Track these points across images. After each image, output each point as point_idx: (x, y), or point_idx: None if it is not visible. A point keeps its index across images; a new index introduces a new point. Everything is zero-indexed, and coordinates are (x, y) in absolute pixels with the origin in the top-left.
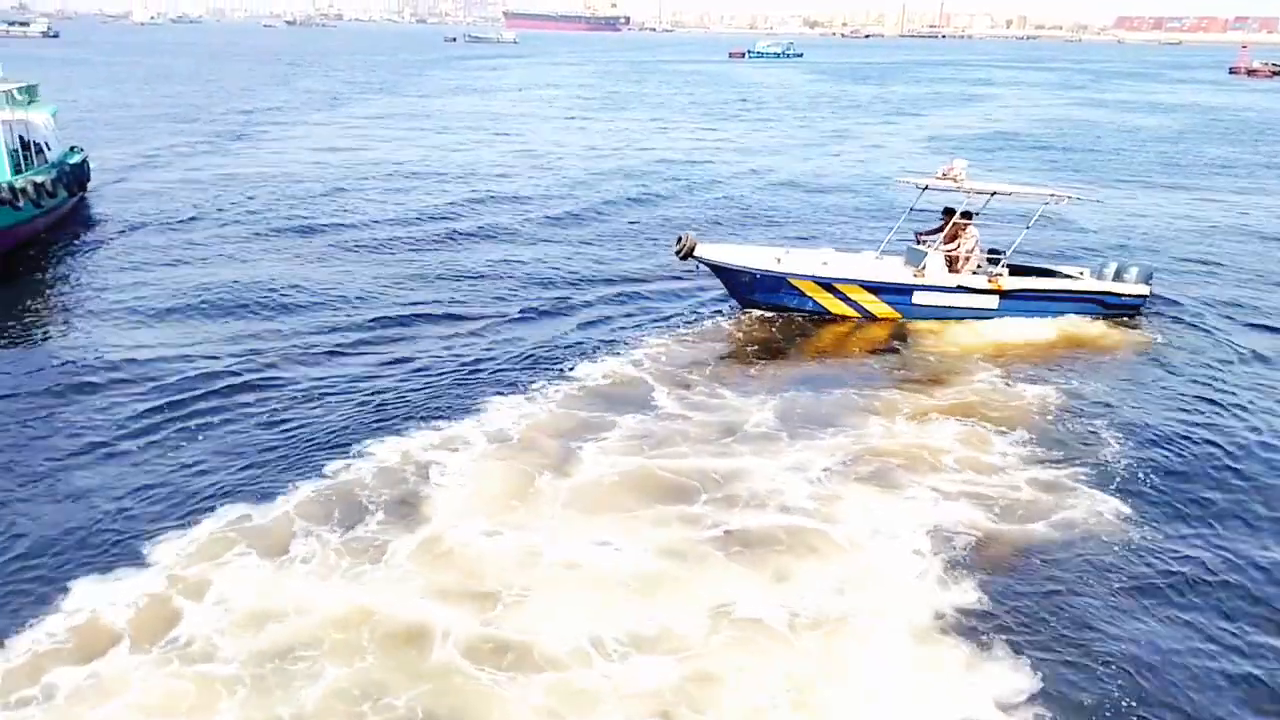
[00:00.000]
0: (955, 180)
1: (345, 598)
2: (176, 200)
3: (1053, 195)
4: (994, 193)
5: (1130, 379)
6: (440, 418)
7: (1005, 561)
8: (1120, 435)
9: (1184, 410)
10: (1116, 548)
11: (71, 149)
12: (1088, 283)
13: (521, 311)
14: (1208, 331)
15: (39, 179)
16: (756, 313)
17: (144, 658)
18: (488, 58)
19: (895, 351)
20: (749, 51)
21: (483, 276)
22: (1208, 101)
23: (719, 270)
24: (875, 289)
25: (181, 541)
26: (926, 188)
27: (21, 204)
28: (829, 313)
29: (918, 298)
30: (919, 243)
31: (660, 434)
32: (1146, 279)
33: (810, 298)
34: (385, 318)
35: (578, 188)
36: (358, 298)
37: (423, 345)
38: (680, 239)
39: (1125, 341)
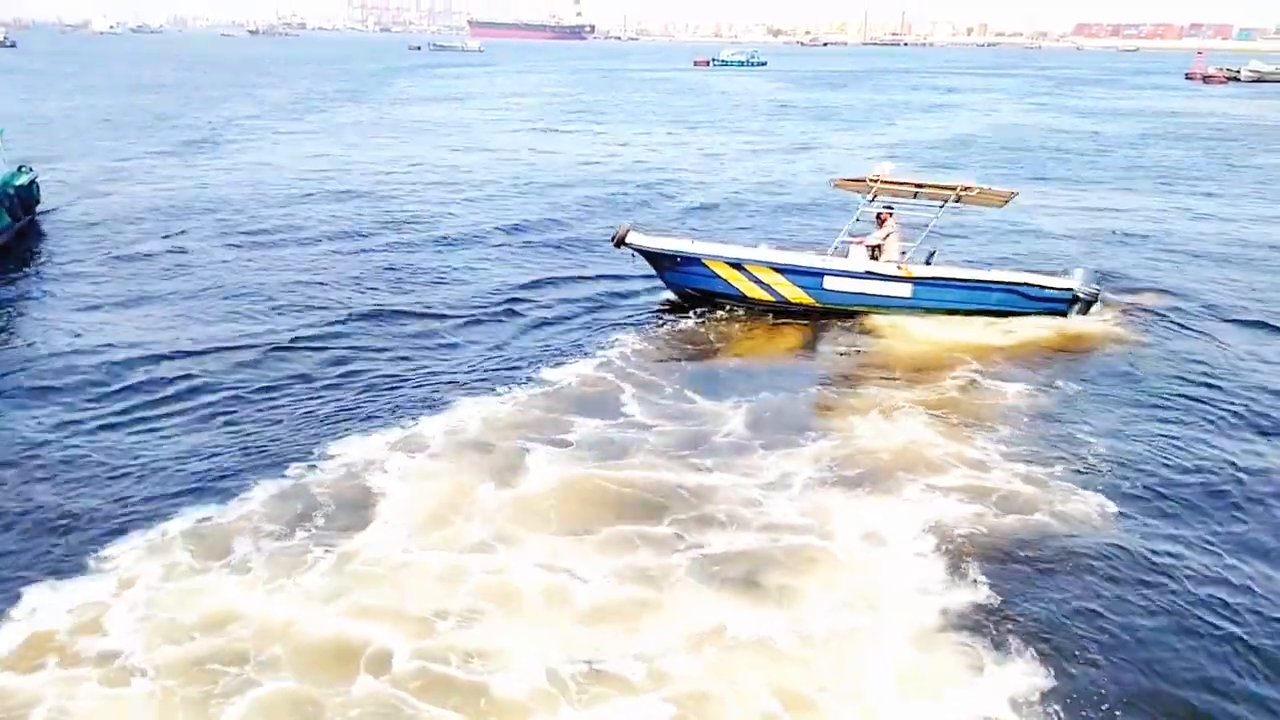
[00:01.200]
0: (878, 181)
1: (282, 611)
2: (133, 214)
3: (965, 188)
4: (917, 186)
5: (1093, 376)
6: (400, 420)
7: (1006, 561)
8: (1091, 431)
9: (1149, 405)
10: (1111, 543)
11: (19, 169)
12: (1005, 274)
13: (484, 315)
14: (1169, 329)
15: None
16: (721, 314)
17: (66, 671)
18: (453, 66)
19: (856, 350)
20: (713, 60)
21: (445, 281)
22: (1167, 106)
23: (647, 256)
24: (784, 270)
25: (124, 547)
26: (874, 194)
27: None
28: (746, 297)
29: (829, 282)
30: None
31: (621, 441)
32: (1091, 280)
33: (724, 279)
34: (347, 320)
35: (544, 192)
36: (319, 304)
37: (384, 348)
38: (616, 228)
39: (1087, 340)
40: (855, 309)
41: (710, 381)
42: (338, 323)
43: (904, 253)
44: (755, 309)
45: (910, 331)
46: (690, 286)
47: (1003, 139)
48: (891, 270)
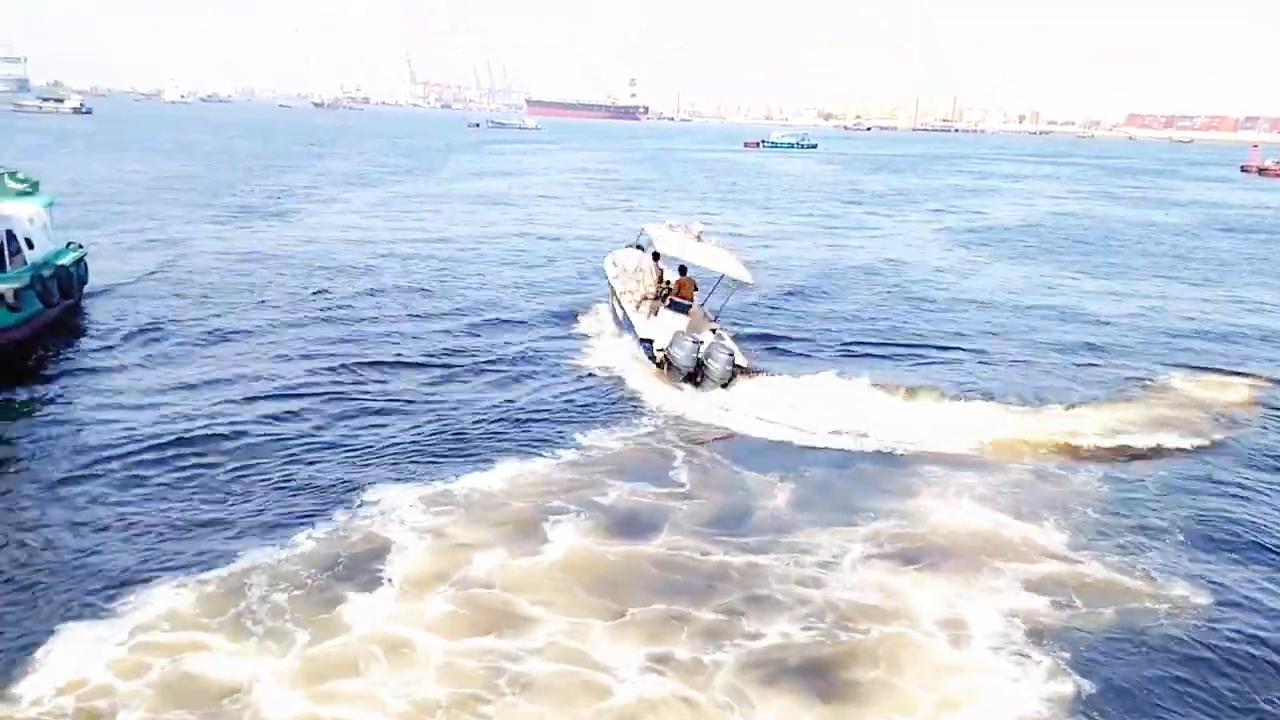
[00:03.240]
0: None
1: (271, 690)
2: (184, 288)
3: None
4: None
5: (1164, 461)
6: (432, 475)
7: (1100, 654)
8: (1167, 515)
9: (1225, 491)
10: (1204, 628)
11: (68, 245)
12: None
13: (522, 374)
14: (1249, 420)
15: (15, 285)
16: (755, 383)
17: None
18: (511, 143)
19: (908, 422)
20: (764, 141)
21: (487, 341)
22: (1223, 198)
23: None
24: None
25: (134, 604)
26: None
27: None
28: None
29: None
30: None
31: (658, 510)
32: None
33: None
34: (387, 375)
35: (589, 261)
36: (361, 360)
37: (423, 403)
38: None
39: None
40: None
41: (752, 450)
42: (379, 379)
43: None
44: None
45: (964, 410)
46: None
47: (1057, 226)
48: None
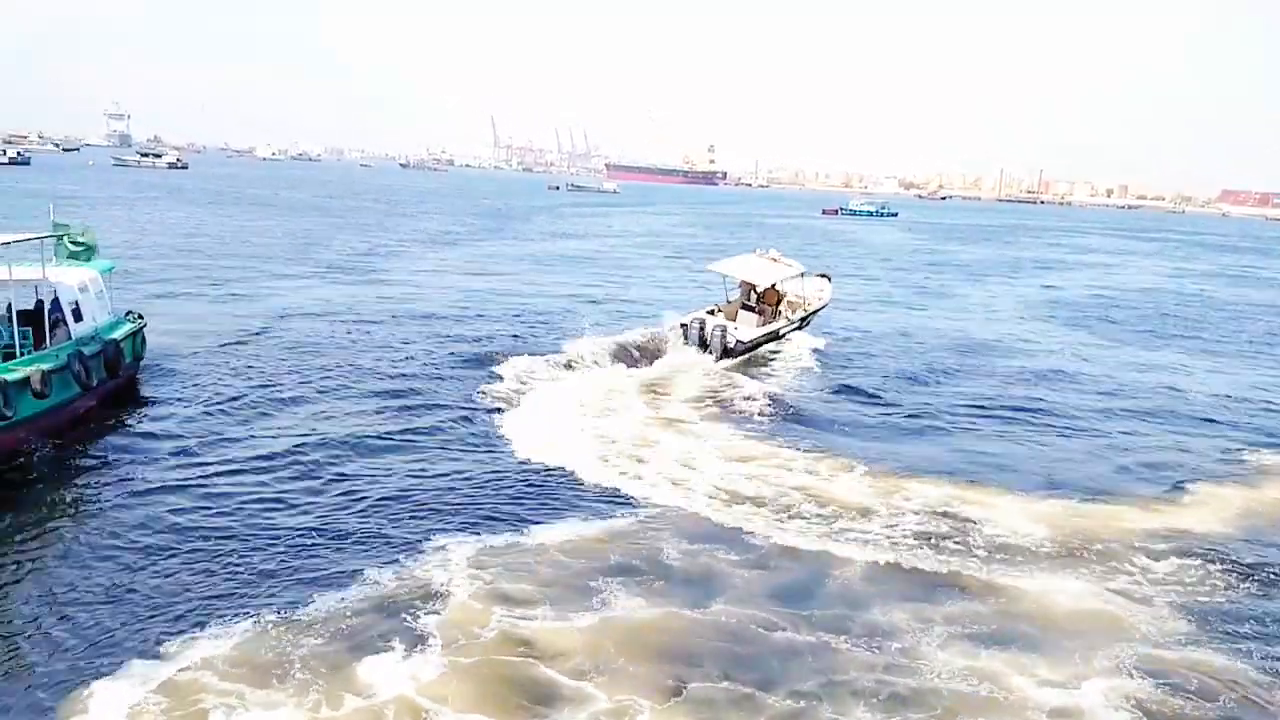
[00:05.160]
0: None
1: None
2: (248, 357)
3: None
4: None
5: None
6: (483, 532)
7: None
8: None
9: None
10: None
11: (126, 315)
12: None
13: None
14: None
15: (43, 367)
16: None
17: None
18: (590, 205)
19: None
20: (841, 209)
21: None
22: None
23: None
24: None
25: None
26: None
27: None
28: None
29: None
30: None
31: (720, 580)
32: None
33: None
34: (447, 433)
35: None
36: (413, 414)
37: (475, 462)
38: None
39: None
40: None
41: (819, 516)
42: (428, 430)
43: None
44: None
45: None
46: None
47: (1144, 302)
48: None
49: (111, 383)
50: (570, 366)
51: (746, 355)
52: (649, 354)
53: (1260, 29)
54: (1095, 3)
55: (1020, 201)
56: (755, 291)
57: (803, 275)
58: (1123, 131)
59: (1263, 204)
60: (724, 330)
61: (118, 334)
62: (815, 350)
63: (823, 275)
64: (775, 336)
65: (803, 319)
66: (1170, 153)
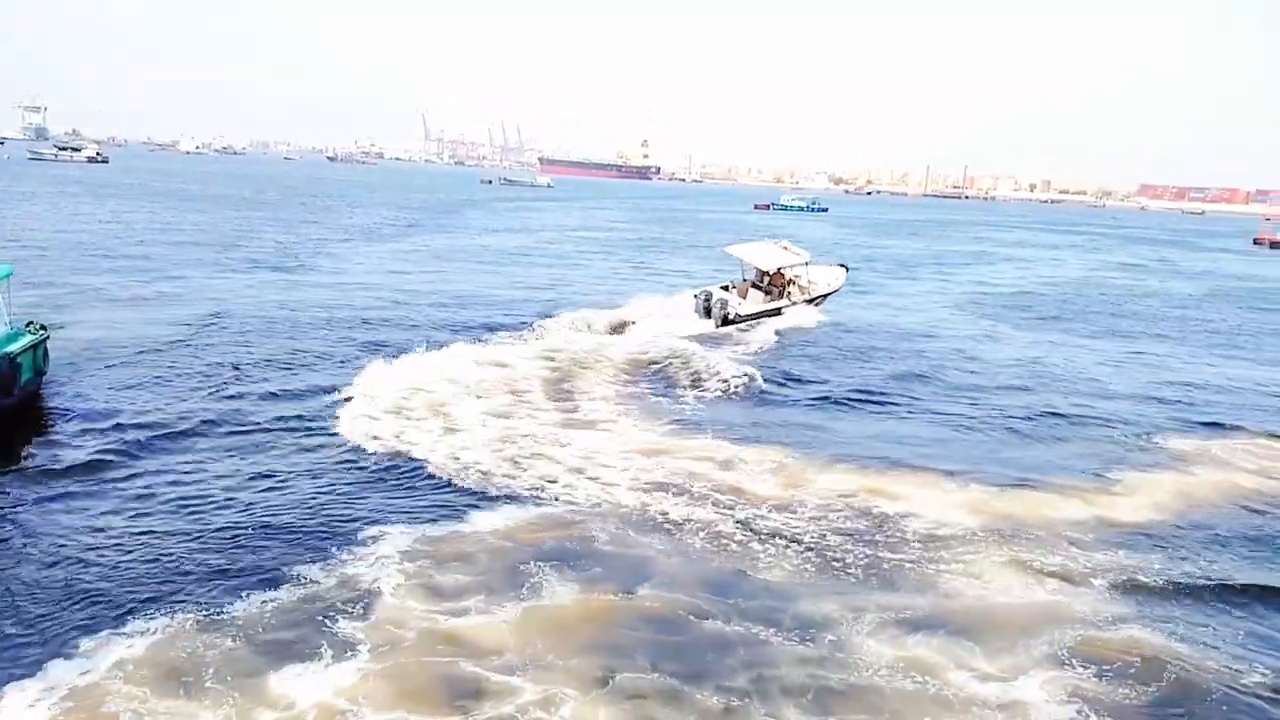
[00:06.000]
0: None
1: None
2: (160, 364)
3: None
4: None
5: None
6: (414, 524)
7: None
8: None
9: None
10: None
11: (28, 325)
12: None
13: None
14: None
15: None
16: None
17: None
18: (523, 200)
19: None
20: (774, 204)
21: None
22: (1238, 270)
23: None
24: None
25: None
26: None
27: None
28: None
29: None
30: None
31: (648, 563)
32: None
33: None
34: (358, 429)
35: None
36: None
37: (395, 455)
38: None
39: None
40: None
41: (746, 505)
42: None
43: None
44: None
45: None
46: None
47: (1067, 294)
48: None
49: (6, 401)
50: (501, 365)
51: (747, 326)
52: (566, 353)
53: (1179, 28)
54: (1018, 3)
55: (946, 197)
56: (767, 274)
57: (807, 263)
58: (1045, 128)
59: (1179, 198)
60: (725, 303)
61: (14, 347)
62: (777, 332)
63: (841, 265)
64: (775, 313)
65: (809, 300)
66: (1091, 149)
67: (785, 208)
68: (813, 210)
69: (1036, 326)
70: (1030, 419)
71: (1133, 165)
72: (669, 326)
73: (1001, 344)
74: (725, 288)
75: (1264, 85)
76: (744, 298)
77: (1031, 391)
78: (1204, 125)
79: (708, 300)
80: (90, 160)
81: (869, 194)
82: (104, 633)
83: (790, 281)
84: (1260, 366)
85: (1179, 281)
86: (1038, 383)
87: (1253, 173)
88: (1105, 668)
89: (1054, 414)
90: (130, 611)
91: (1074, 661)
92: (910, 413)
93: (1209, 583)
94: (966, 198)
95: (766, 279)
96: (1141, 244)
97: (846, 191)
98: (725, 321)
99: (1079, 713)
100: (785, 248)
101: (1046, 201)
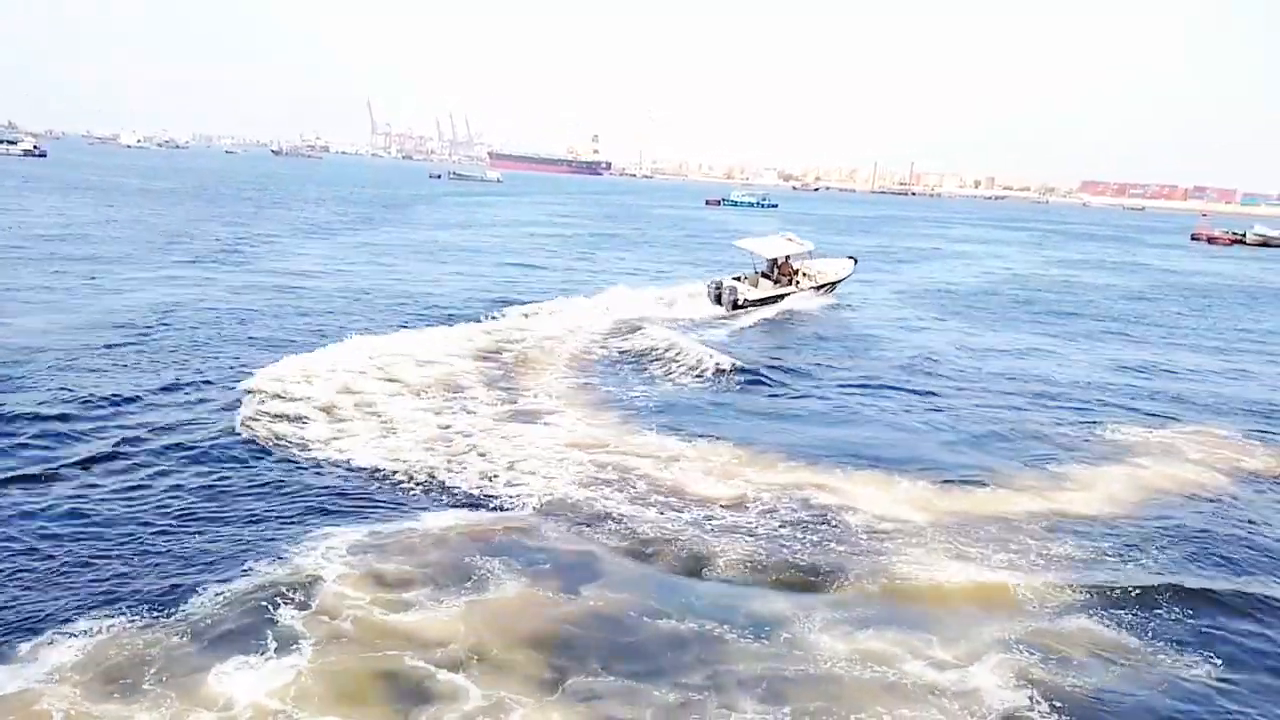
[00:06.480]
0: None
1: None
2: (101, 364)
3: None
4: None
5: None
6: (360, 522)
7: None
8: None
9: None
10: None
11: None
12: None
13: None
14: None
15: None
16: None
17: None
18: (473, 195)
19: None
20: (724, 200)
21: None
22: (1177, 265)
23: None
24: None
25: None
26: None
27: None
28: None
29: None
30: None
31: (599, 561)
32: None
33: None
34: (307, 429)
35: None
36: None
37: (344, 454)
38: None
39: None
40: None
41: (697, 503)
42: (303, 433)
43: None
44: None
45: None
46: None
47: (1014, 289)
48: None
49: None
50: (436, 363)
51: (753, 310)
52: (510, 349)
53: (1121, 28)
54: (962, 5)
55: (893, 193)
56: (775, 264)
57: (810, 253)
58: (988, 125)
59: (1120, 194)
60: (734, 290)
61: None
62: (745, 328)
63: (850, 257)
64: (779, 299)
65: (816, 287)
66: (1034, 146)
67: (736, 203)
68: (763, 206)
69: (988, 323)
70: (981, 413)
71: (1074, 162)
72: (673, 313)
73: (954, 341)
74: (738, 278)
75: (1200, 82)
76: (755, 286)
77: (983, 386)
78: (1144, 124)
79: (719, 288)
80: (26, 153)
81: (816, 190)
82: (42, 636)
83: (798, 270)
84: (1202, 356)
85: (1122, 276)
86: (989, 378)
87: (1191, 169)
88: (1054, 657)
89: (1005, 408)
90: (69, 617)
91: (1023, 649)
92: (854, 409)
93: (1159, 575)
94: (913, 194)
95: (775, 269)
96: (1084, 240)
97: (795, 188)
98: (735, 306)
99: (1029, 699)
100: (790, 239)
101: (991, 198)
